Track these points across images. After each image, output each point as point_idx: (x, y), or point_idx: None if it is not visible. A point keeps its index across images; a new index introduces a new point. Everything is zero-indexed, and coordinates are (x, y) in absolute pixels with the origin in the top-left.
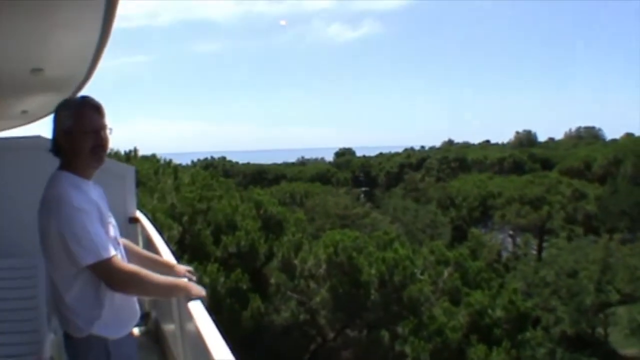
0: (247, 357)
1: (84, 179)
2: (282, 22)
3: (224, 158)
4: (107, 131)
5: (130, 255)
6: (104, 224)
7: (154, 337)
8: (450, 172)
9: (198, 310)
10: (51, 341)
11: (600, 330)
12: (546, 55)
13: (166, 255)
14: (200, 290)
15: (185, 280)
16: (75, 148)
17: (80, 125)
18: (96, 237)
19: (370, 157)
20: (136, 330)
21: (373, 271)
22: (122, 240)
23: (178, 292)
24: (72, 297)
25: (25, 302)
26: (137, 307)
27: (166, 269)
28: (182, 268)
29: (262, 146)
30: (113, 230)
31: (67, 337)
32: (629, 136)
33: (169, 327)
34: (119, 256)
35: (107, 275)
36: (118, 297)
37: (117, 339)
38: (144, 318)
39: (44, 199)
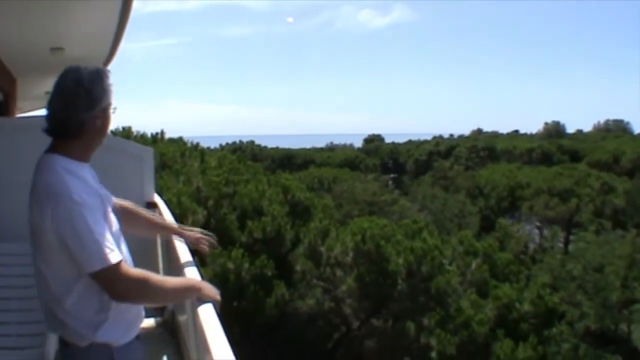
0: (271, 344)
1: (82, 162)
2: (289, 19)
3: (252, 142)
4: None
5: (134, 219)
6: (107, 217)
7: (170, 328)
8: (479, 161)
9: (208, 316)
10: (55, 337)
11: (623, 327)
12: (577, 46)
13: (181, 247)
14: (214, 293)
15: (198, 279)
16: (104, 127)
17: (111, 100)
18: (101, 237)
19: (399, 144)
20: (152, 321)
21: (401, 260)
22: (123, 203)
23: (191, 294)
24: (73, 301)
25: (28, 291)
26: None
27: (174, 233)
28: (194, 234)
29: (290, 131)
30: (115, 222)
31: (65, 346)
32: None
33: (184, 319)
34: (125, 256)
35: (110, 283)
36: None
37: (122, 345)
38: (160, 308)
39: (36, 187)
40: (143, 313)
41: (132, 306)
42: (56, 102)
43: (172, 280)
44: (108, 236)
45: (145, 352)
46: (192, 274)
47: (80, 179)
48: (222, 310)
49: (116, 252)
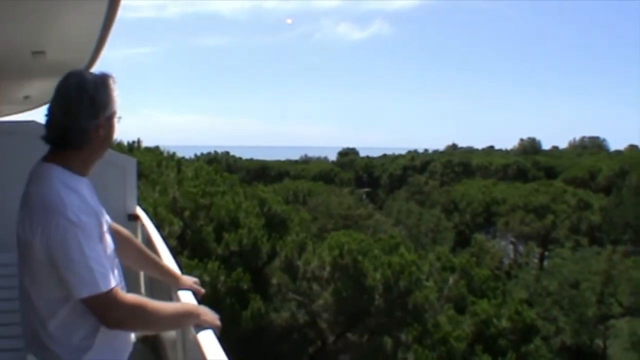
0: (246, 357)
1: (81, 175)
2: (288, 21)
3: (227, 153)
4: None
5: (131, 252)
6: (102, 238)
7: (152, 344)
8: (454, 177)
9: (209, 344)
10: None
11: (599, 342)
12: (553, 64)
13: (167, 259)
14: (213, 318)
15: (195, 304)
16: (109, 138)
17: (116, 108)
18: (95, 263)
19: (373, 158)
20: (131, 336)
21: (378, 276)
22: (123, 232)
23: (189, 321)
24: (58, 324)
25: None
26: None
27: (169, 278)
28: (188, 280)
29: (265, 142)
30: (110, 243)
31: None
32: (633, 148)
33: (171, 337)
34: (117, 281)
35: (103, 310)
36: None
37: None
38: None
39: (29, 198)
40: (132, 339)
41: (121, 332)
42: (57, 108)
43: (169, 307)
44: (102, 260)
45: None
46: (187, 298)
47: (78, 194)
48: (221, 334)
49: (110, 278)
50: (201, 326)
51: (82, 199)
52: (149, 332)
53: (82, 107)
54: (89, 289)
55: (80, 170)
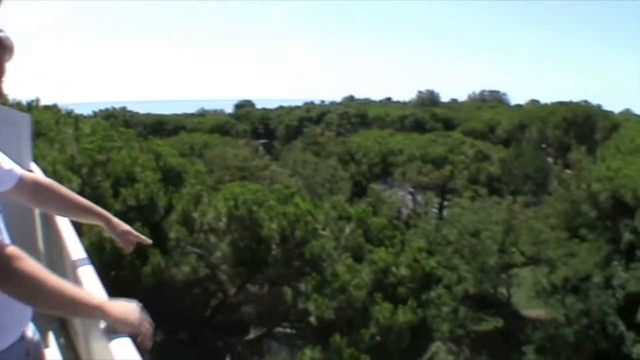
0: (150, 313)
1: None
2: None
3: (124, 108)
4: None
5: (51, 197)
6: None
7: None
8: (351, 128)
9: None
10: None
11: (503, 290)
12: (455, 18)
13: (63, 222)
14: (131, 321)
15: (106, 300)
16: None
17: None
18: None
19: (270, 110)
20: (51, 336)
21: (274, 226)
22: (43, 180)
23: (90, 314)
24: None
25: None
26: None
27: (101, 221)
28: (124, 225)
29: (162, 96)
30: None
31: None
32: (534, 102)
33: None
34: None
35: None
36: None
37: (1, 351)
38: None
39: None
40: (30, 312)
41: (13, 304)
42: None
43: (70, 288)
44: None
45: None
46: (91, 284)
47: None
48: (124, 293)
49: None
50: (113, 331)
51: None
52: (37, 309)
53: None
54: None
55: None
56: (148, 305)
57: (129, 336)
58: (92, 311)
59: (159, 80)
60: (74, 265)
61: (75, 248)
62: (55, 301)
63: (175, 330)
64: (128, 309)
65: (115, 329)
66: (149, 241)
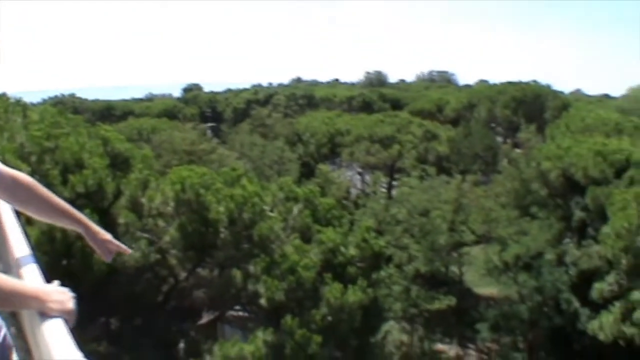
0: (102, 301)
1: None
2: None
3: (73, 95)
4: None
5: (30, 198)
6: None
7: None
8: (298, 109)
9: (58, 339)
10: None
11: (454, 269)
12: None
13: (6, 214)
14: (64, 302)
15: (44, 286)
16: None
17: None
18: None
19: (217, 93)
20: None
21: (222, 209)
22: (22, 178)
23: (30, 305)
24: None
25: None
26: None
27: (80, 227)
28: (105, 234)
29: (111, 82)
30: None
31: None
32: (483, 83)
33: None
34: None
35: None
36: None
37: None
38: None
39: None
40: None
41: None
42: None
43: (8, 282)
44: None
45: None
46: (31, 275)
47: None
48: (74, 282)
49: None
50: (47, 314)
51: None
52: None
53: None
54: None
55: None
56: (100, 293)
57: (62, 319)
58: (35, 301)
59: (108, 67)
60: (16, 258)
61: (17, 240)
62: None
63: (130, 317)
64: (59, 291)
65: (47, 312)
66: (129, 250)
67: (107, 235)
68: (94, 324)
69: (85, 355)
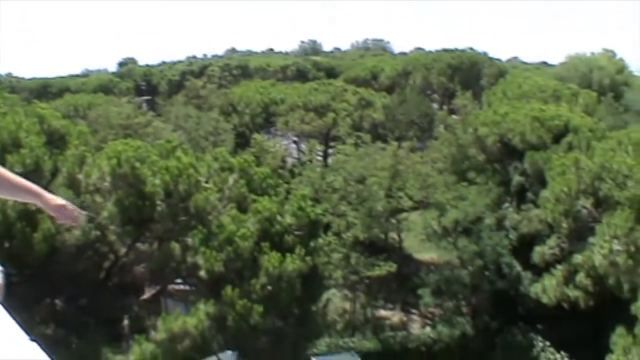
0: (45, 282)
1: None
2: None
3: (9, 74)
4: None
5: None
6: None
7: None
8: (233, 79)
9: None
10: None
11: (394, 235)
12: None
13: None
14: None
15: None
16: None
17: None
18: None
19: (152, 66)
20: None
21: (157, 181)
22: None
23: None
24: None
25: None
26: None
27: (33, 197)
28: (54, 200)
29: (47, 60)
30: None
31: None
32: (419, 50)
33: None
34: None
35: None
36: None
37: None
38: None
39: None
40: None
41: None
42: None
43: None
44: None
45: None
46: None
47: None
48: (15, 262)
49: None
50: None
51: None
52: None
53: None
54: None
55: None
56: (44, 274)
57: None
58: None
59: (45, 43)
60: None
61: None
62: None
63: (75, 297)
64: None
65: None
66: (83, 213)
67: (62, 201)
68: (40, 306)
69: (33, 339)
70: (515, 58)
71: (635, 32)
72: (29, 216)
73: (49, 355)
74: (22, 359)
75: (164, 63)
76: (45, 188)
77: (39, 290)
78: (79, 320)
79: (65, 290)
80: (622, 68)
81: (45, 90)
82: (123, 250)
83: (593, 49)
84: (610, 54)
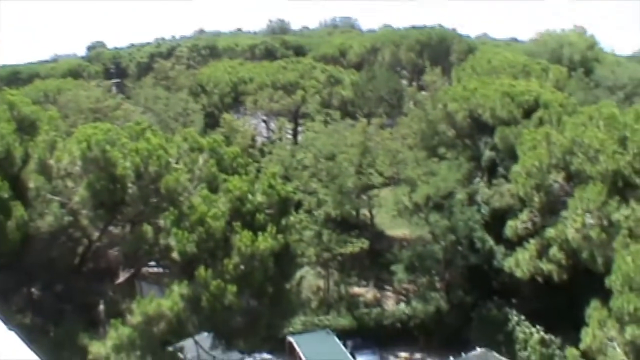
0: (19, 270)
1: None
2: None
3: None
4: None
5: None
6: None
7: None
8: (201, 60)
9: None
10: None
11: (365, 212)
12: None
13: None
14: None
15: None
16: None
17: None
18: None
19: (121, 49)
20: None
21: (128, 164)
22: None
23: None
24: None
25: None
26: None
27: None
28: None
29: (16, 46)
30: None
31: None
32: (387, 27)
33: None
34: None
35: None
36: None
37: None
38: None
39: None
40: None
41: None
42: None
43: None
44: None
45: None
46: None
47: None
48: None
49: None
50: None
51: None
52: None
53: None
54: None
55: None
56: (18, 262)
57: None
58: None
59: (13, 31)
60: None
61: None
62: None
63: (50, 284)
64: None
65: None
66: None
67: None
68: (17, 295)
69: (11, 329)
70: (485, 35)
71: (605, 10)
72: (1, 204)
73: (28, 345)
74: (1, 348)
75: (132, 46)
76: (18, 175)
77: (14, 279)
78: (55, 308)
79: (41, 278)
80: (592, 44)
81: (15, 77)
82: (96, 234)
83: (564, 26)
84: (581, 31)
